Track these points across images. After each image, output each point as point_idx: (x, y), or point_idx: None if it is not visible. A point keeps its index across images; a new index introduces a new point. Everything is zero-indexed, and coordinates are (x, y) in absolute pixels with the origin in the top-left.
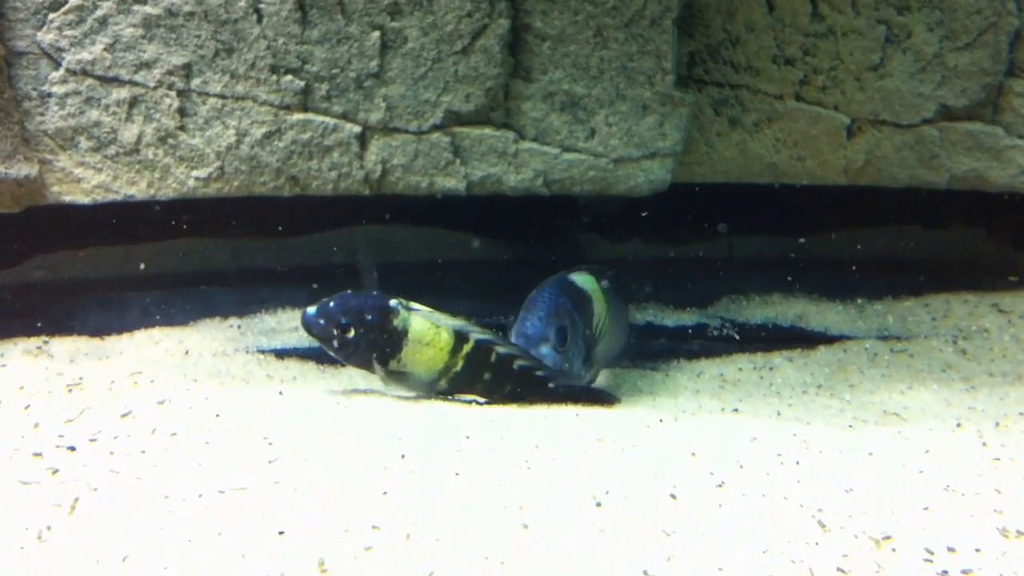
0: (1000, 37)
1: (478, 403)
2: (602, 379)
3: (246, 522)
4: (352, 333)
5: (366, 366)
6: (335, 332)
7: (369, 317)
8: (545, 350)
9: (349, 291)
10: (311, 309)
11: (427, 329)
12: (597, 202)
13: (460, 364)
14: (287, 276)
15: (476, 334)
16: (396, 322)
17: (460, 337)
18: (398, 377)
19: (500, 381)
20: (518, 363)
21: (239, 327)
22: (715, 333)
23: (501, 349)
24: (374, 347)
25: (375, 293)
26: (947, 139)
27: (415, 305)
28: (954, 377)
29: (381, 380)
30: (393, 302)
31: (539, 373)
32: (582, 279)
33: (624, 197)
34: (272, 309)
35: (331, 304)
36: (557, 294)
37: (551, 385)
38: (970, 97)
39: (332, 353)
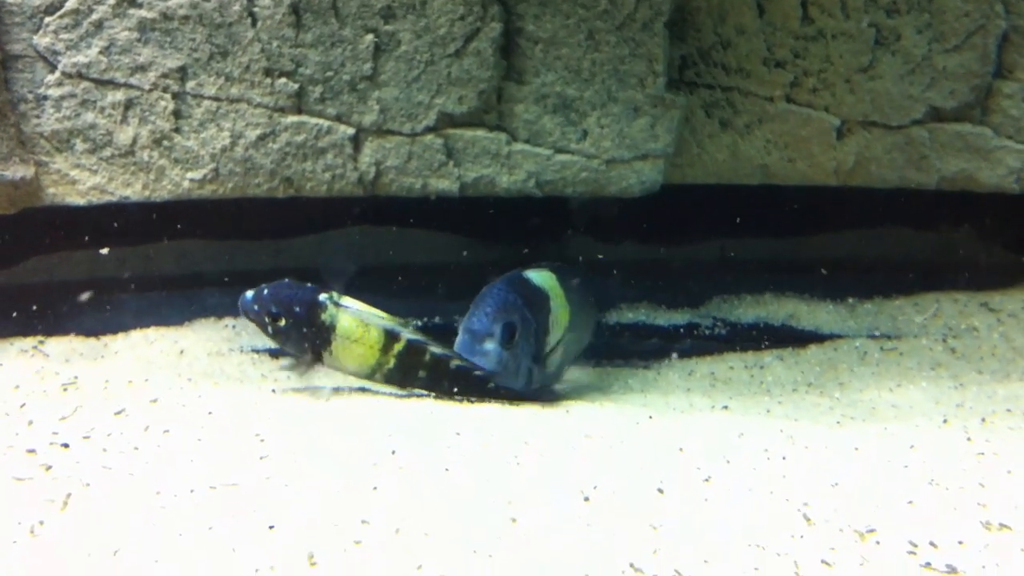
0: (988, 39)
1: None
2: (587, 377)
3: (237, 517)
4: (283, 322)
5: (300, 355)
6: (267, 319)
7: (297, 310)
8: (490, 346)
9: (287, 280)
10: (248, 293)
11: (355, 326)
12: (590, 203)
13: (392, 362)
14: (282, 277)
15: (408, 334)
16: (324, 317)
17: (391, 336)
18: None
19: (437, 379)
20: (454, 363)
21: (234, 327)
22: (707, 332)
23: (435, 350)
24: (304, 339)
25: (309, 285)
26: (936, 140)
27: (347, 301)
28: (943, 375)
29: (299, 370)
30: (322, 296)
31: (476, 374)
32: (540, 276)
33: (616, 198)
34: None
35: (265, 291)
36: (507, 290)
37: (491, 385)
38: (959, 98)
39: (268, 338)
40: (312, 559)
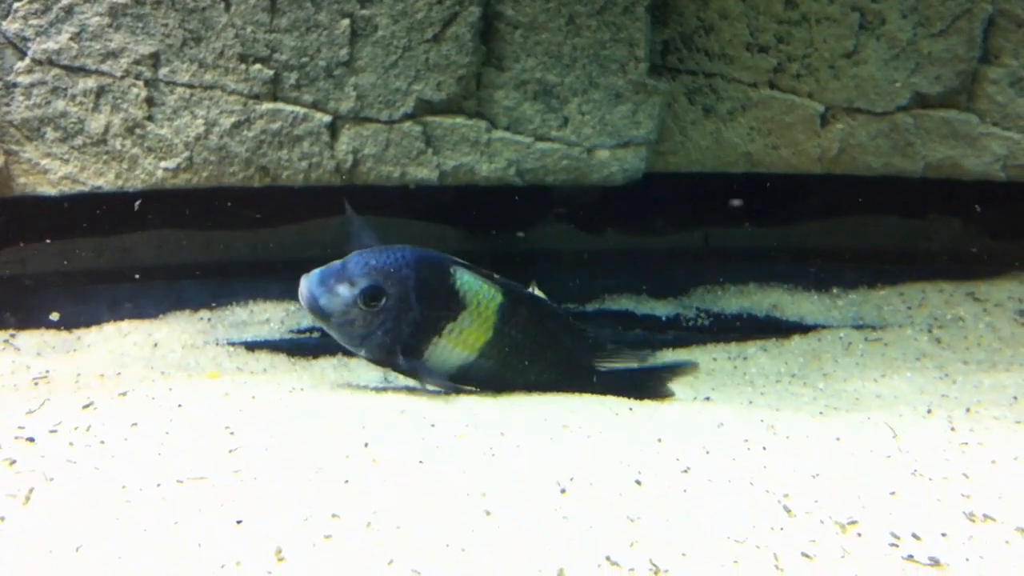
0: (974, 24)
1: None
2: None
3: (203, 512)
4: None
5: None
6: None
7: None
8: (344, 290)
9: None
10: None
11: None
12: (572, 192)
13: None
14: (259, 268)
15: None
16: None
17: None
18: None
19: None
20: None
21: (209, 320)
22: (690, 323)
23: None
24: None
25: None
26: (922, 127)
27: None
28: (928, 365)
29: None
30: None
31: None
32: (471, 280)
33: (599, 187)
34: (243, 301)
35: None
36: (409, 263)
37: None
38: (944, 84)
39: None
40: (280, 554)
